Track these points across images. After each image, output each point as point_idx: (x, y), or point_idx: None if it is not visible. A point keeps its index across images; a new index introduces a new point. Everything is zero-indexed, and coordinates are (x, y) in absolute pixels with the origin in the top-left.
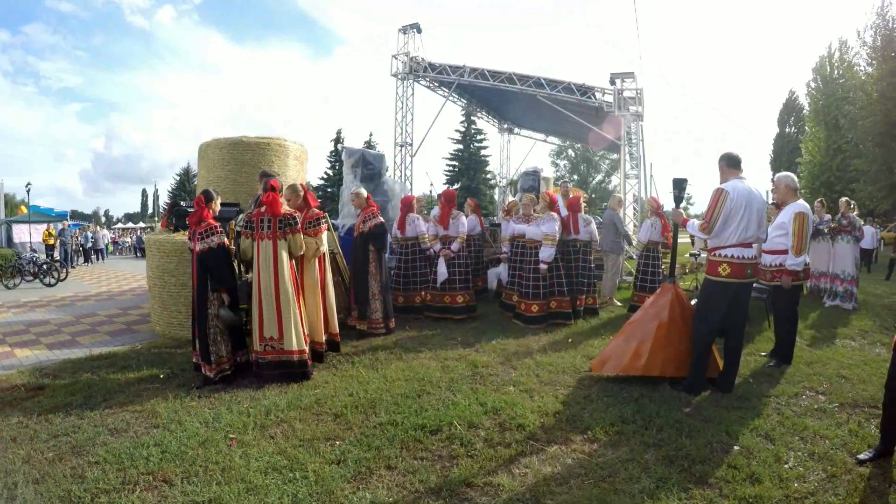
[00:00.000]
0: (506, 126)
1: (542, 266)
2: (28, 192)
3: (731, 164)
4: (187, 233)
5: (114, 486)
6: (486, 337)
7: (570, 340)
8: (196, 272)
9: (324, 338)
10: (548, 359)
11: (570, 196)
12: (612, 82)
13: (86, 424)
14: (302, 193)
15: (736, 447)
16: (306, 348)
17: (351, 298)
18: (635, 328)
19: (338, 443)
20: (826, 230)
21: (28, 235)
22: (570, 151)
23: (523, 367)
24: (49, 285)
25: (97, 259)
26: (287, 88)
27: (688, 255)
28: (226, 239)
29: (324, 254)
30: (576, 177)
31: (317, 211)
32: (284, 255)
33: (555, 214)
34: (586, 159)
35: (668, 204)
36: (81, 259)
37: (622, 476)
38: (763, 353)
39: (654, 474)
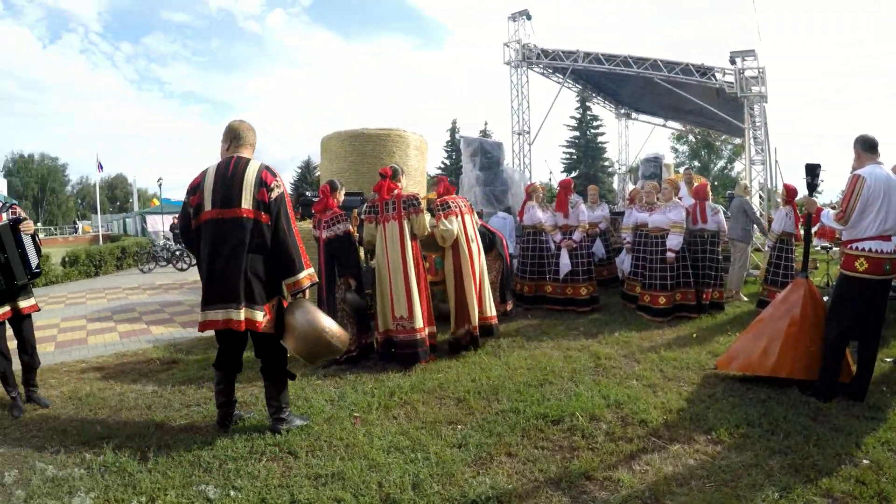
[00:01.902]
0: (623, 111)
1: (670, 254)
2: (160, 186)
3: (867, 148)
4: (312, 221)
5: (241, 454)
6: (608, 328)
7: (694, 335)
8: (323, 259)
9: (477, 321)
10: (672, 353)
11: (696, 184)
12: (733, 62)
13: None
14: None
15: (865, 461)
16: (430, 329)
17: None
18: (764, 325)
19: (459, 427)
20: None
21: (161, 225)
22: (690, 136)
23: (647, 361)
24: (181, 270)
25: None
26: (399, 80)
27: (819, 248)
28: (350, 226)
29: (469, 239)
30: (696, 163)
31: (429, 195)
32: (409, 236)
33: (679, 202)
34: (707, 144)
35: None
36: None
37: (745, 482)
38: (888, 360)
39: (778, 483)
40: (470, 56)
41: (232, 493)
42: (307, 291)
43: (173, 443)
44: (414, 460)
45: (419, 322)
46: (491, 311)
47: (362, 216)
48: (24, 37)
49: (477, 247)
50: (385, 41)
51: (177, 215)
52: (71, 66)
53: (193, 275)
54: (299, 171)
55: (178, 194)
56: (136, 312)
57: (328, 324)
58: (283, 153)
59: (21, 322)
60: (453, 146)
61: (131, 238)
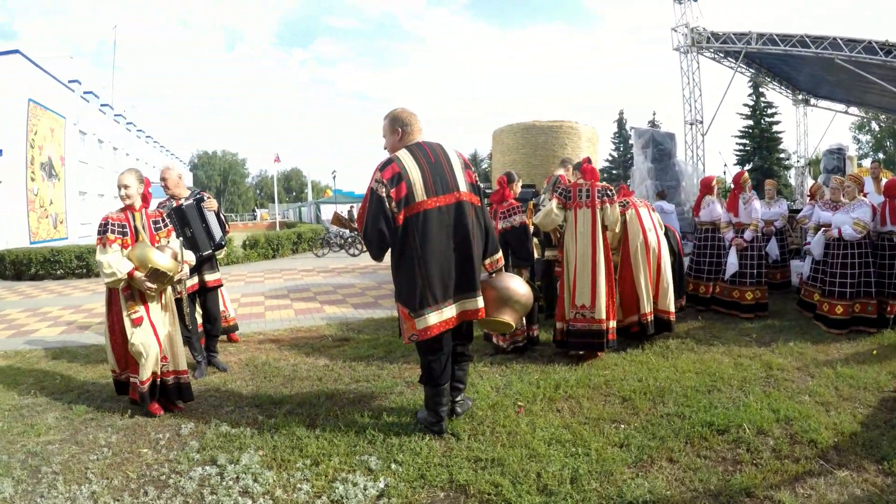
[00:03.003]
0: (800, 97)
1: (834, 231)
2: (334, 178)
3: None
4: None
5: (405, 430)
6: (782, 337)
7: (875, 352)
8: None
9: (649, 310)
10: (849, 370)
11: (885, 180)
12: None
13: (385, 375)
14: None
15: None
16: (613, 323)
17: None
18: None
19: (622, 426)
20: None
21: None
22: (874, 124)
23: (821, 377)
24: (353, 255)
25: None
26: (562, 70)
27: None
28: (526, 218)
29: (646, 230)
30: (881, 155)
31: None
32: (601, 225)
33: (865, 200)
34: (894, 133)
35: None
36: None
37: None
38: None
39: None
40: (635, 42)
41: (393, 465)
42: (503, 269)
43: (341, 413)
44: (574, 454)
45: (601, 313)
46: (670, 306)
47: (541, 204)
48: (201, 48)
49: (656, 237)
50: (546, 32)
51: (354, 205)
52: (247, 73)
53: (365, 260)
54: None
55: (350, 185)
56: (311, 292)
57: (513, 283)
58: (452, 144)
59: (206, 294)
60: (621, 137)
61: (306, 225)
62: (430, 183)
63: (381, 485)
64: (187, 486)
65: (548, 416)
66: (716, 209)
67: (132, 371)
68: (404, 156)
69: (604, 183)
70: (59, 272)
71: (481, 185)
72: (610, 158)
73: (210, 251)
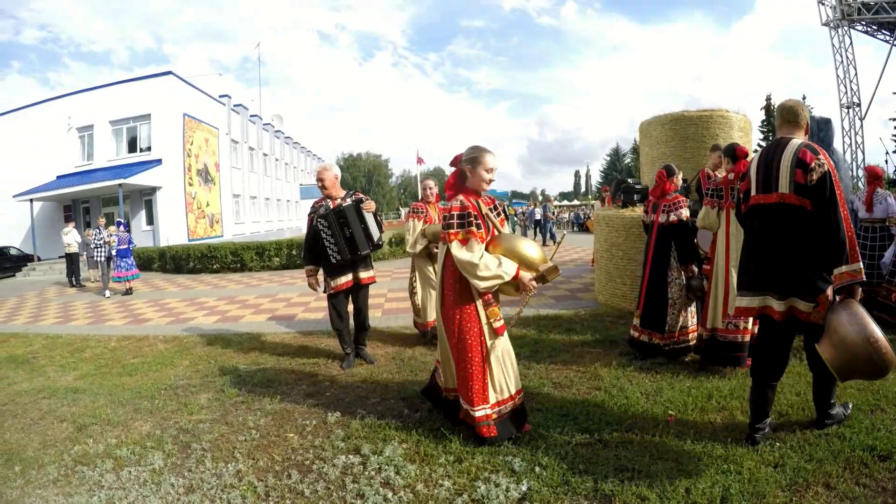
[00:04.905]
0: None
1: None
2: None
3: None
4: (644, 205)
5: (550, 432)
6: None
7: None
8: (655, 244)
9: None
10: None
11: None
12: None
13: (532, 374)
14: None
15: None
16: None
17: None
18: None
19: (777, 444)
20: None
21: None
22: None
23: None
24: None
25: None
26: (703, 58)
27: None
28: (687, 212)
29: None
30: None
31: None
32: None
33: None
34: None
35: None
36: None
37: None
38: None
39: None
40: (779, 19)
41: (537, 469)
42: (856, 291)
43: None
44: (726, 472)
45: (748, 324)
46: None
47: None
48: (341, 59)
49: None
50: (683, 19)
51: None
52: (385, 78)
53: None
54: (608, 158)
55: (493, 183)
56: None
57: (879, 334)
58: (593, 138)
59: (358, 291)
60: (769, 126)
61: None
62: (759, 181)
63: (524, 487)
64: (330, 472)
65: (698, 428)
66: (892, 204)
67: (472, 400)
68: (758, 153)
69: None
70: (214, 266)
71: (816, 186)
72: (757, 149)
73: (368, 251)
